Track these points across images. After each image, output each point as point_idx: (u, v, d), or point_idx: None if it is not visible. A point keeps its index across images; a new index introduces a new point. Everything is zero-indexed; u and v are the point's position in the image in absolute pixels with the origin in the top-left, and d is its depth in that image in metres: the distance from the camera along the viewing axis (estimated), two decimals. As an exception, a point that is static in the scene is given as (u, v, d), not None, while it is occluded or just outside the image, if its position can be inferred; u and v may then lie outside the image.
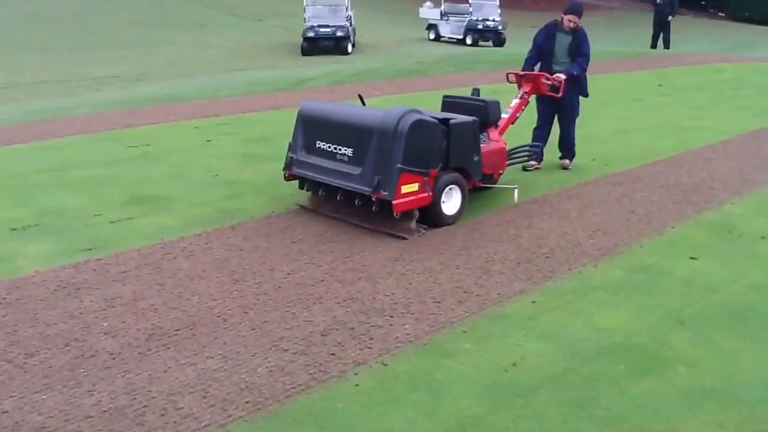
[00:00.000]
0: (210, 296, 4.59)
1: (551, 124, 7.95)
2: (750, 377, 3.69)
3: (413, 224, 5.82)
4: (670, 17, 22.78)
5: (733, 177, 7.61)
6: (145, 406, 3.41)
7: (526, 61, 7.76)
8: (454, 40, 29.21)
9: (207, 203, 6.66)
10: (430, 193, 5.77)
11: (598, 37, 29.06)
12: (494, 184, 6.84)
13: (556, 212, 6.38)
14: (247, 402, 3.44)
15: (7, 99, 15.56)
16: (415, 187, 5.63)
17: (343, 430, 3.26)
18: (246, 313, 4.35)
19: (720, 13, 47.89)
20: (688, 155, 8.67)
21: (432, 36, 30.47)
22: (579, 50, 7.57)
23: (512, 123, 7.27)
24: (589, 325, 4.25)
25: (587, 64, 7.67)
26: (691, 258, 5.34)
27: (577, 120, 7.97)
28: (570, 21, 7.55)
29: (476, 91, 7.07)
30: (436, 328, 4.17)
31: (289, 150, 6.41)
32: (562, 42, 7.64)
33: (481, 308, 4.44)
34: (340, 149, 5.94)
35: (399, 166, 5.50)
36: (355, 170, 5.77)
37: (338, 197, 5.99)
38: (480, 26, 28.33)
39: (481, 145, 6.33)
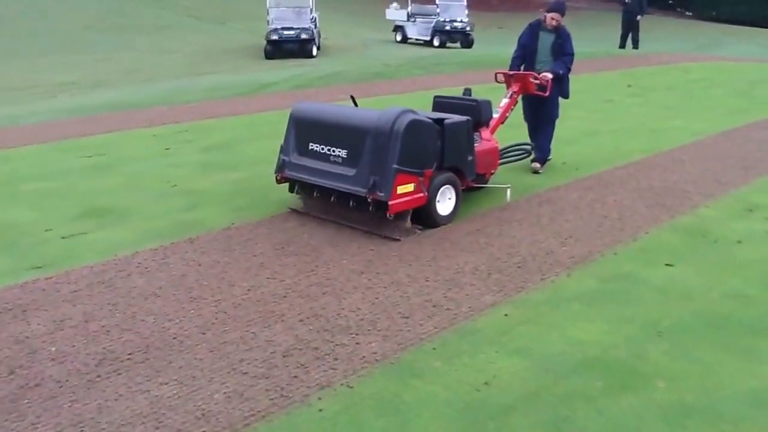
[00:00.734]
0: (165, 316, 4.33)
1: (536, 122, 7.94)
2: (731, 391, 3.53)
3: (408, 225, 5.80)
4: (639, 17, 22.86)
5: (706, 179, 7.51)
6: (92, 441, 3.15)
7: (512, 60, 7.80)
8: (422, 42, 29.08)
9: (164, 215, 6.39)
10: (425, 194, 5.75)
11: (563, 38, 29.05)
12: (485, 183, 6.83)
13: (527, 219, 6.21)
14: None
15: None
16: (410, 187, 5.62)
17: (306, 462, 3.04)
18: (203, 333, 4.10)
19: (687, 12, 48.39)
20: (660, 157, 8.58)
21: (399, 38, 30.30)
22: (562, 49, 7.57)
23: (502, 123, 7.29)
24: (563, 339, 4.06)
25: (572, 63, 7.69)
26: (667, 265, 5.19)
27: (557, 122, 7.92)
28: (552, 19, 7.54)
29: (468, 91, 7.04)
30: (404, 345, 3.95)
31: (281, 152, 6.34)
32: (545, 40, 7.64)
33: (452, 323, 4.24)
34: (334, 151, 5.89)
35: (395, 166, 5.48)
36: (350, 171, 5.73)
37: (332, 199, 5.97)
38: (447, 27, 28.22)
39: (474, 145, 6.32)
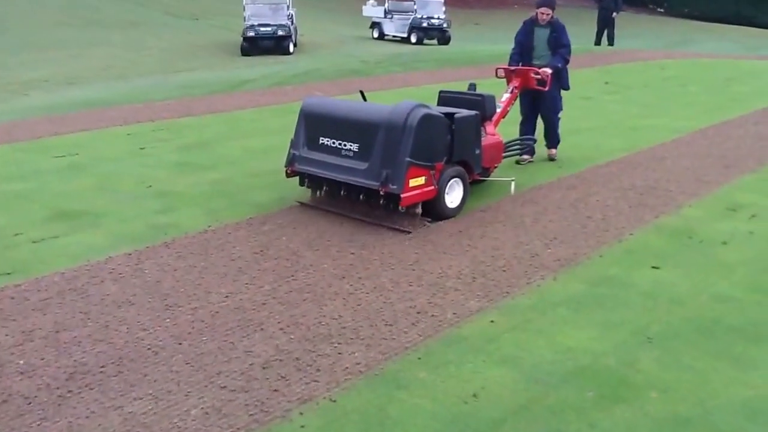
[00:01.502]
0: (139, 325, 4.16)
1: (536, 117, 8.10)
2: (725, 401, 3.43)
3: (418, 217, 5.89)
4: (614, 14, 22.94)
5: (687, 178, 7.46)
6: (61, 463, 2.99)
7: (510, 57, 7.98)
8: (399, 39, 28.96)
9: (138, 218, 6.19)
10: (436, 187, 5.82)
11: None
12: (488, 177, 6.92)
13: (511, 220, 6.10)
14: (179, 452, 3.05)
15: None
16: (421, 180, 5.70)
17: (288, 482, 2.90)
18: (179, 344, 3.93)
19: (659, 9, 48.75)
20: (641, 155, 8.52)
21: (376, 34, 30.17)
22: (559, 42, 7.73)
23: (503, 117, 7.42)
24: (552, 347, 3.95)
25: (569, 55, 7.86)
26: (653, 267, 5.10)
27: (560, 114, 8.16)
28: (543, 13, 7.70)
29: (473, 86, 7.16)
30: (388, 355, 3.82)
31: (291, 146, 6.36)
32: (541, 36, 7.80)
33: (437, 330, 4.11)
34: (345, 145, 5.93)
35: (408, 159, 5.54)
36: (361, 165, 5.78)
37: (342, 192, 6.04)
38: (424, 24, 28.16)
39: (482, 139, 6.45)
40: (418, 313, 4.33)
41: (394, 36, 29.34)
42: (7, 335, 4.08)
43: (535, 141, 7.89)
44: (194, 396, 3.42)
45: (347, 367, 3.68)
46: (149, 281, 4.80)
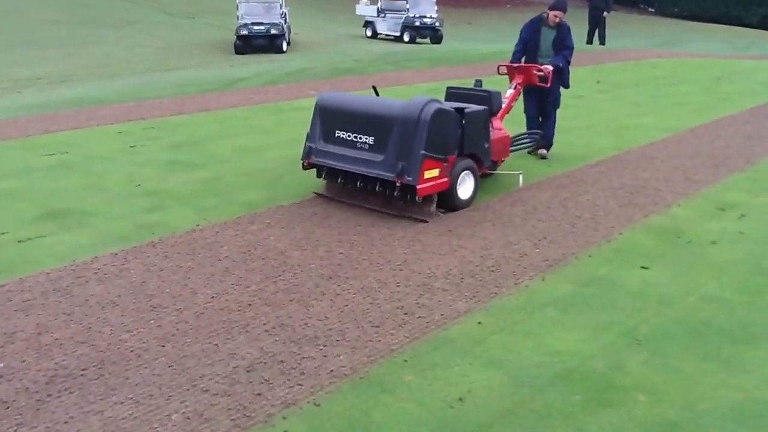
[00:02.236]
0: (123, 327, 4.11)
1: (539, 113, 8.28)
2: (714, 404, 3.40)
3: (433, 208, 6.11)
4: (605, 13, 22.97)
5: (677, 177, 7.44)
6: (39, 468, 2.94)
7: (513, 54, 8.14)
8: (392, 38, 28.92)
9: (126, 217, 6.14)
10: (449, 178, 6.03)
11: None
12: (495, 170, 7.08)
13: (500, 219, 6.07)
14: (159, 457, 3.01)
15: None
16: (435, 172, 5.91)
17: (270, 487, 2.86)
18: (163, 346, 3.89)
19: (650, 9, 48.87)
20: (631, 154, 8.51)
21: (369, 33, 30.12)
22: (563, 43, 7.95)
23: (507, 113, 7.58)
24: (539, 349, 3.92)
25: (571, 56, 8.12)
26: (642, 267, 5.08)
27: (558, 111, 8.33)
28: (555, 16, 7.93)
29: (479, 82, 7.29)
30: (374, 358, 3.77)
31: (307, 140, 6.54)
32: (547, 36, 8.00)
33: (424, 332, 4.07)
34: (360, 138, 6.13)
35: (422, 152, 5.74)
36: (377, 157, 5.98)
37: (358, 184, 6.21)
38: (417, 23, 28.14)
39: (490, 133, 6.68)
40: (405, 314, 4.29)
41: (387, 35, 29.29)
42: (-12, 337, 4.03)
43: (540, 134, 8.04)
44: (176, 400, 3.37)
45: (332, 370, 3.64)
46: (135, 282, 4.75)
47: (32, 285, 4.74)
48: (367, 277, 4.85)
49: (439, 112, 5.86)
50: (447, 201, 6.18)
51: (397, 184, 5.83)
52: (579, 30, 24.10)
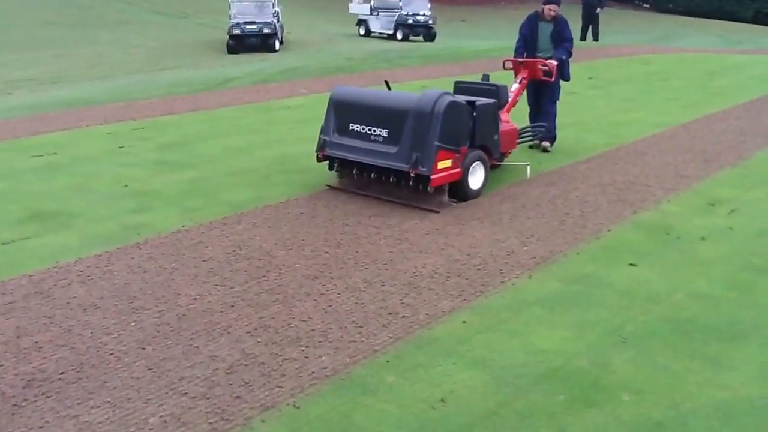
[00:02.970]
0: (104, 329, 4.06)
1: (538, 105, 8.50)
2: (700, 403, 3.36)
3: (445, 198, 6.29)
4: (598, 9, 22.98)
5: (667, 173, 7.41)
6: (12, 475, 2.90)
7: (515, 50, 8.34)
8: (385, 36, 28.83)
9: (112, 218, 6.09)
10: (461, 169, 6.22)
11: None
12: (502, 161, 7.22)
13: (488, 217, 6.03)
14: (135, 462, 2.96)
15: None
16: (448, 163, 6.09)
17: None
18: (143, 348, 3.84)
19: (645, 5, 48.91)
20: (622, 150, 8.48)
21: (362, 32, 30.01)
22: (561, 36, 8.16)
23: (513, 106, 7.77)
24: (524, 348, 3.87)
25: (572, 48, 8.32)
26: (630, 265, 5.04)
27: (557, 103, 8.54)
28: (551, 10, 8.12)
29: (486, 77, 7.62)
30: (356, 359, 3.73)
31: (322, 132, 6.71)
32: (545, 30, 8.20)
33: (408, 332, 4.03)
34: (374, 130, 6.30)
35: (436, 143, 5.91)
36: (391, 149, 6.15)
37: (371, 175, 6.42)
38: (410, 21, 28.03)
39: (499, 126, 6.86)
40: (390, 314, 4.25)
41: (380, 33, 29.20)
42: (-33, 341, 3.98)
43: (545, 127, 8.17)
44: (153, 403, 3.32)
45: (313, 372, 3.59)
46: (117, 283, 4.70)
47: (14, 288, 4.69)
48: (352, 276, 4.80)
49: (452, 105, 6.03)
50: (459, 191, 6.35)
51: (412, 175, 5.99)
52: (572, 27, 24.11)
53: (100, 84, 16.45)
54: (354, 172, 6.58)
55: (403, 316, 4.21)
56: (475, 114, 6.34)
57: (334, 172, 6.88)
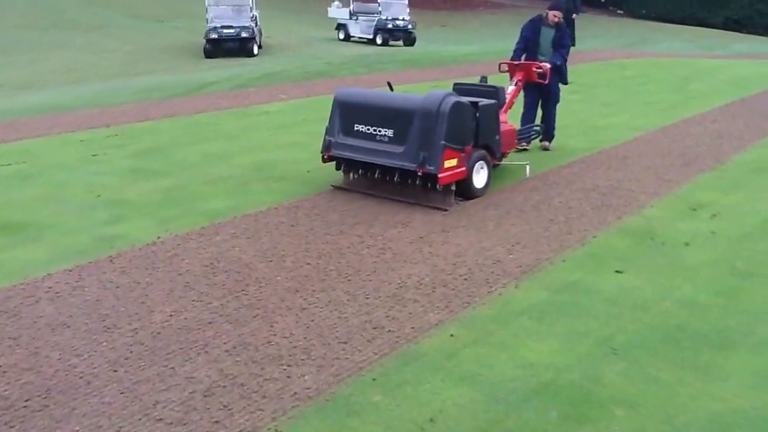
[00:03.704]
0: (73, 351, 3.87)
1: (536, 108, 8.69)
2: (693, 416, 3.25)
3: (452, 197, 6.35)
4: (574, 15, 23.01)
5: (649, 177, 7.35)
6: None
7: (514, 52, 8.47)
8: (365, 40, 28.74)
9: (84, 230, 5.89)
10: (466, 168, 6.31)
11: (505, 33, 29.29)
12: (501, 161, 7.30)
13: (473, 224, 5.91)
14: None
15: None
16: (454, 162, 6.17)
17: None
18: (115, 371, 3.65)
19: (618, 11, 49.31)
20: (603, 155, 8.42)
21: (342, 36, 29.91)
22: (561, 42, 8.39)
23: (510, 108, 7.85)
24: (514, 361, 3.75)
25: (568, 54, 8.57)
26: (617, 272, 4.94)
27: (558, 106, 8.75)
28: (555, 16, 8.35)
29: (484, 79, 7.69)
30: (341, 377, 3.58)
31: (327, 133, 6.79)
32: (547, 35, 8.40)
33: (393, 348, 3.88)
34: (379, 131, 6.37)
35: (443, 143, 6.00)
36: (397, 149, 6.23)
37: (377, 175, 6.46)
38: (390, 26, 27.99)
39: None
40: (375, 328, 4.10)
41: (359, 37, 29.10)
42: (-71, 364, 3.77)
43: (542, 128, 8.47)
44: (126, 431, 3.15)
45: (296, 393, 3.44)
46: (89, 300, 4.51)
47: (-21, 306, 4.48)
48: (335, 289, 4.66)
49: (457, 105, 6.14)
50: (464, 190, 6.44)
51: (419, 174, 6.06)
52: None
53: (74, 89, 16.16)
54: (359, 171, 6.70)
55: (389, 331, 4.07)
56: (478, 114, 6.44)
57: (315, 179, 6.86)
